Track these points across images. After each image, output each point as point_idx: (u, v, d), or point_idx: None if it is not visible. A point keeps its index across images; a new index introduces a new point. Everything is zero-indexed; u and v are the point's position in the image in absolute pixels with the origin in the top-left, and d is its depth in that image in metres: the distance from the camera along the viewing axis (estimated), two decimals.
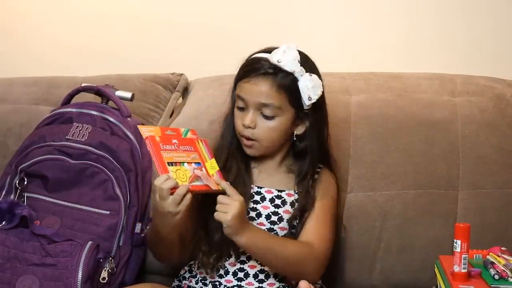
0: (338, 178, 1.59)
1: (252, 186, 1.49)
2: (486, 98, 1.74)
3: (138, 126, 1.45)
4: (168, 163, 1.36)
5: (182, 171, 1.37)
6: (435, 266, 1.51)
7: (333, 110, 1.70)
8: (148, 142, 1.37)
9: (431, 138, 1.68)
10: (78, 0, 2.11)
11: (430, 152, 1.66)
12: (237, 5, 2.05)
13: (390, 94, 1.75)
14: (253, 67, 1.45)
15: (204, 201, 1.44)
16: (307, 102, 1.46)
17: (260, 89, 1.44)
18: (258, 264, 1.46)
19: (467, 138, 1.68)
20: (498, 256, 1.44)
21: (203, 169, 1.41)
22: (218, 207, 1.37)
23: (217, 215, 1.37)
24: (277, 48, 1.46)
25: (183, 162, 1.39)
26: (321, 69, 1.77)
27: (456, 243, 1.35)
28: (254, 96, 1.44)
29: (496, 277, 1.36)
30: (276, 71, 1.44)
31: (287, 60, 1.44)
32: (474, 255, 1.47)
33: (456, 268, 1.35)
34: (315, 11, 2.03)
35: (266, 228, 1.47)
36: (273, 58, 1.44)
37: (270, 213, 1.48)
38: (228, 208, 1.36)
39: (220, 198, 1.38)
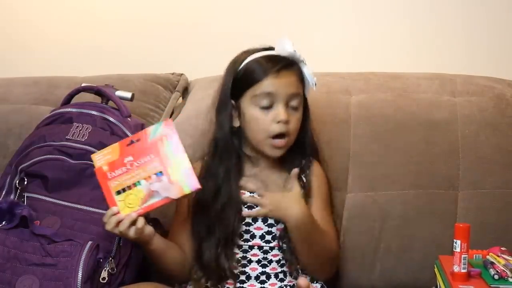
0: (337, 178, 1.60)
1: (243, 192, 1.48)
2: (486, 98, 1.74)
3: (91, 155, 1.39)
4: (117, 192, 1.34)
5: (134, 194, 1.34)
6: (435, 266, 1.51)
7: (333, 110, 1.71)
8: (96, 175, 1.35)
9: (431, 138, 1.68)
10: (78, 0, 2.11)
11: (430, 152, 1.67)
12: (237, 6, 2.05)
13: (390, 94, 1.75)
14: (272, 64, 1.44)
15: (196, 222, 1.47)
16: (314, 88, 1.49)
17: (289, 80, 1.45)
18: (259, 266, 1.46)
19: (467, 138, 1.68)
20: (498, 256, 1.44)
21: (163, 177, 1.34)
22: (271, 205, 1.41)
23: (277, 214, 1.42)
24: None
25: (138, 182, 1.34)
26: (321, 69, 1.77)
27: (456, 243, 1.35)
28: (285, 88, 1.44)
29: (496, 277, 1.36)
30: (291, 61, 1.47)
31: (298, 50, 1.47)
32: (474, 255, 1.47)
33: (456, 268, 1.35)
34: (315, 11, 2.03)
35: (264, 232, 1.47)
36: (286, 49, 1.46)
37: (267, 217, 1.47)
38: (286, 203, 1.42)
39: (259, 200, 1.40)
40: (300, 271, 1.48)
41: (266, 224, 1.47)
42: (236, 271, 1.45)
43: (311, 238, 1.43)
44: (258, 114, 1.45)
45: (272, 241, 1.47)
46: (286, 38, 1.47)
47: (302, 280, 1.36)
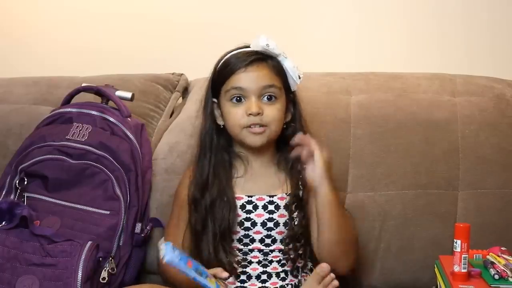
0: (337, 178, 1.59)
1: (241, 196, 1.49)
2: (486, 98, 1.74)
3: None
4: None
5: None
6: (435, 266, 1.51)
7: (333, 110, 1.71)
8: None
9: (431, 138, 1.68)
10: (78, 0, 2.11)
11: (430, 152, 1.67)
12: (237, 5, 2.05)
13: (390, 94, 1.75)
14: (241, 59, 1.46)
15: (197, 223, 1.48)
16: (297, 82, 1.49)
17: (259, 74, 1.46)
18: (260, 266, 1.46)
19: (467, 138, 1.68)
20: (498, 256, 1.44)
21: None
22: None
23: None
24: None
25: None
26: (321, 69, 1.77)
27: (456, 243, 1.35)
28: (255, 81, 1.45)
29: (496, 277, 1.36)
30: (265, 56, 1.47)
31: (274, 44, 1.47)
32: (474, 255, 1.47)
33: (456, 268, 1.35)
34: (315, 11, 2.03)
35: (263, 236, 1.47)
36: (260, 44, 1.47)
37: (265, 220, 1.47)
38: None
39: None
40: (300, 270, 1.49)
41: (265, 228, 1.47)
42: (237, 269, 1.46)
43: (339, 218, 1.43)
44: (231, 109, 1.47)
45: (272, 244, 1.47)
46: (263, 34, 1.48)
47: (324, 265, 1.36)
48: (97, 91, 1.69)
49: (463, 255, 1.35)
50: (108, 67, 1.95)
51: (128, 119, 1.65)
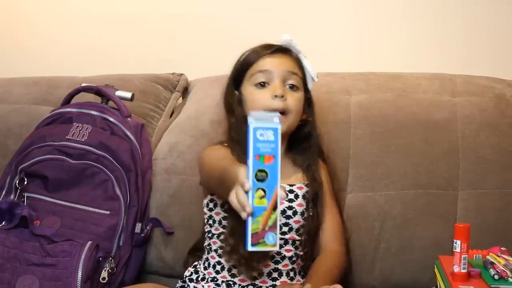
0: (337, 178, 1.60)
1: None
2: (486, 98, 1.74)
3: None
4: None
5: None
6: (435, 266, 1.51)
7: (333, 110, 1.71)
8: None
9: (431, 138, 1.68)
10: (78, 0, 2.12)
11: (430, 152, 1.66)
12: (237, 6, 2.05)
13: (390, 94, 1.75)
14: (267, 47, 1.51)
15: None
16: (315, 79, 1.54)
17: (284, 60, 1.51)
18: (272, 262, 1.46)
19: (467, 138, 1.68)
20: (498, 256, 1.44)
21: None
22: None
23: None
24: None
25: None
26: (321, 69, 1.77)
27: (456, 243, 1.35)
28: (281, 65, 1.49)
29: (496, 277, 1.36)
30: (289, 49, 1.53)
31: (295, 42, 1.53)
32: (474, 255, 1.47)
33: (456, 268, 1.35)
34: (315, 11, 2.03)
35: (282, 223, 1.47)
36: (283, 39, 1.52)
37: (285, 208, 1.48)
38: None
39: None
40: (306, 270, 1.49)
41: (284, 215, 1.47)
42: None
43: None
44: (255, 92, 1.50)
45: (288, 233, 1.47)
46: (285, 34, 1.53)
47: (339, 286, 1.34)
48: (97, 91, 1.69)
49: (463, 255, 1.35)
50: (108, 67, 1.95)
51: (128, 119, 1.65)
